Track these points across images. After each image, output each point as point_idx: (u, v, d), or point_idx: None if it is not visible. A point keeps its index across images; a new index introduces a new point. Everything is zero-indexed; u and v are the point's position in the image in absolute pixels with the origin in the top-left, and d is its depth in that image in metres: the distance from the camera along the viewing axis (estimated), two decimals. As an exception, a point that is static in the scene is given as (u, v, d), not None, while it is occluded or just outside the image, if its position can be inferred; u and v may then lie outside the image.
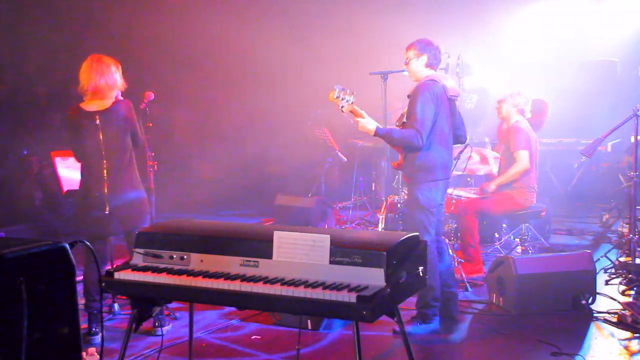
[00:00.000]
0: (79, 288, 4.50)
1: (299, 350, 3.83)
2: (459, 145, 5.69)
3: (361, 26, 9.58)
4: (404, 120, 4.64)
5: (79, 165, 5.11)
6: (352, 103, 4.48)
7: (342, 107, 4.43)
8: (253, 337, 4.58)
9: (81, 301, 4.81)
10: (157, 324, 4.55)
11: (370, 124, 4.51)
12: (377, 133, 4.51)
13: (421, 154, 4.54)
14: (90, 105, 4.50)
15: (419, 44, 4.70)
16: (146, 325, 4.14)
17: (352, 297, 2.74)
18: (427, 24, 8.39)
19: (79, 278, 4.88)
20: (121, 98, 4.63)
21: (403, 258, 2.99)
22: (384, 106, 5.79)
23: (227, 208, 10.18)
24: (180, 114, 10.83)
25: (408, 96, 4.63)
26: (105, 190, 4.49)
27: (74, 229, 4.68)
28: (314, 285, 2.87)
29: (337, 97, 4.39)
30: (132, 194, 4.62)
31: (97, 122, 4.46)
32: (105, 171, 4.49)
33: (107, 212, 4.50)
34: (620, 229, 7.18)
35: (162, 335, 4.39)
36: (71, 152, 4.82)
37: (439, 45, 4.72)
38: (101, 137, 4.48)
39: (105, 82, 4.48)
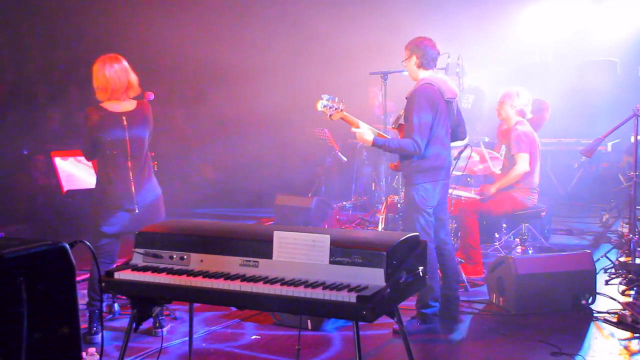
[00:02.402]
0: (81, 287, 4.53)
1: (299, 350, 3.83)
2: (459, 145, 5.71)
3: (361, 25, 9.58)
4: (401, 122, 4.65)
5: (78, 165, 5.12)
6: (342, 110, 4.51)
7: (330, 115, 4.49)
8: (253, 337, 4.58)
9: (82, 301, 4.81)
10: (157, 324, 4.56)
11: (367, 134, 4.55)
12: (375, 143, 4.54)
13: (418, 157, 4.54)
14: (114, 106, 4.51)
15: (409, 45, 4.67)
16: (146, 325, 4.14)
17: (352, 297, 2.74)
18: (426, 24, 8.38)
19: (79, 278, 4.90)
20: (141, 100, 4.68)
21: (403, 258, 2.99)
22: (384, 106, 5.80)
23: (227, 208, 10.18)
24: (180, 114, 10.83)
25: (406, 98, 4.63)
26: (133, 190, 4.52)
27: (92, 226, 4.63)
28: (314, 285, 2.88)
29: (325, 107, 4.47)
30: (155, 192, 4.68)
31: (124, 123, 4.49)
32: (130, 171, 4.52)
33: (136, 211, 4.53)
34: (620, 229, 7.17)
35: (162, 335, 4.39)
36: (79, 151, 4.82)
37: (432, 43, 4.63)
38: (127, 138, 4.50)
39: (130, 84, 4.53)
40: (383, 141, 4.56)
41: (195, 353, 4.10)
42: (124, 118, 4.49)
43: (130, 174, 4.53)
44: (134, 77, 4.57)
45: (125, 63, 4.55)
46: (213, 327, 4.76)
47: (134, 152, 4.54)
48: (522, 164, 5.91)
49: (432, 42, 4.66)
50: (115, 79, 4.46)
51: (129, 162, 4.52)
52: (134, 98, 4.61)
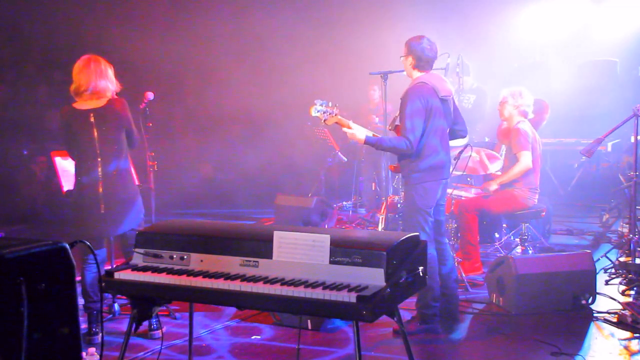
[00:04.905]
0: (81, 287, 4.53)
1: (299, 350, 3.83)
2: (459, 144, 5.71)
3: (361, 25, 9.58)
4: (397, 123, 4.64)
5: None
6: (336, 114, 4.51)
7: (324, 120, 4.50)
8: (253, 337, 4.58)
9: (81, 301, 4.81)
10: (152, 327, 4.53)
11: (359, 133, 4.53)
12: (367, 142, 4.53)
13: (416, 156, 4.54)
14: (84, 104, 4.48)
15: (407, 44, 4.63)
16: (142, 328, 4.12)
17: (352, 297, 2.74)
18: (427, 23, 8.39)
19: (79, 278, 4.89)
20: (115, 97, 4.61)
21: (403, 258, 2.99)
22: (384, 106, 5.80)
23: (227, 208, 10.19)
24: (180, 114, 10.83)
25: (401, 98, 4.62)
26: (100, 190, 4.46)
27: (71, 229, 4.63)
28: (314, 285, 2.87)
29: (319, 112, 4.47)
30: (126, 194, 4.57)
31: (92, 120, 4.44)
32: (100, 170, 4.46)
33: (102, 212, 4.47)
34: (620, 229, 7.17)
35: (161, 337, 4.38)
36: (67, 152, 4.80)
37: (430, 45, 4.58)
38: (96, 134, 4.45)
39: (105, 84, 4.48)
40: (375, 139, 4.54)
41: (195, 353, 4.10)
42: (91, 115, 4.45)
43: (100, 172, 4.46)
44: (105, 84, 4.48)
45: (107, 66, 4.50)
46: (213, 327, 4.76)
47: (103, 150, 4.47)
48: (525, 161, 5.92)
49: (431, 44, 4.59)
50: (93, 80, 4.42)
51: (99, 160, 4.46)
52: (120, 96, 4.58)
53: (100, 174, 4.47)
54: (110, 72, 4.53)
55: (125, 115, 4.55)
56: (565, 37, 10.14)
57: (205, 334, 4.64)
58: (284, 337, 4.56)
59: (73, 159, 4.66)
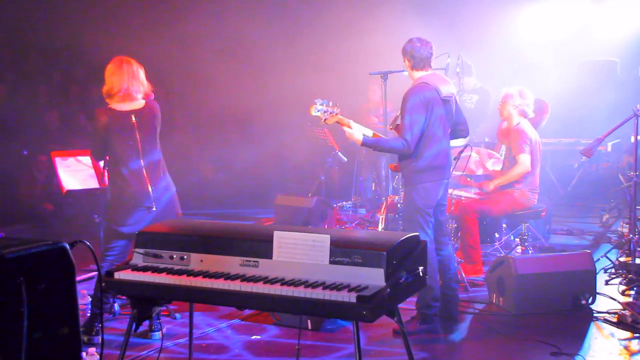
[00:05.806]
0: (81, 287, 4.52)
1: (299, 350, 3.83)
2: (460, 145, 5.71)
3: (361, 26, 9.58)
4: (398, 122, 4.65)
5: (78, 165, 5.12)
6: (336, 114, 4.52)
7: (324, 119, 4.50)
8: (253, 337, 4.58)
9: (82, 300, 4.81)
10: (153, 328, 4.53)
11: (357, 134, 4.52)
12: (365, 143, 4.53)
13: (416, 156, 4.54)
14: (122, 105, 4.51)
15: (402, 50, 4.68)
16: (141, 328, 4.13)
17: (352, 297, 2.74)
18: (427, 23, 8.39)
19: (80, 278, 4.89)
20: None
21: (403, 258, 2.99)
22: (384, 106, 5.80)
23: (227, 208, 10.19)
24: (180, 114, 10.83)
25: (403, 99, 4.63)
26: (149, 188, 4.52)
27: (107, 226, 4.63)
28: (314, 285, 2.88)
29: (319, 111, 4.48)
30: (170, 189, 4.69)
31: (133, 121, 4.49)
32: (144, 170, 4.52)
33: (154, 209, 4.52)
34: (620, 229, 7.17)
35: (162, 338, 4.38)
36: (79, 151, 4.81)
37: (421, 43, 4.61)
38: (138, 135, 4.50)
39: (137, 86, 4.52)
40: (372, 141, 4.55)
41: (195, 353, 4.10)
42: (132, 116, 4.50)
43: (145, 172, 4.52)
44: (137, 86, 4.53)
45: (139, 67, 4.55)
46: (213, 327, 4.76)
47: (145, 150, 4.53)
48: (523, 164, 5.91)
49: (422, 42, 4.63)
50: (125, 81, 4.46)
51: (142, 160, 4.52)
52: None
53: (145, 173, 4.52)
54: (141, 73, 4.58)
55: (159, 116, 4.65)
56: (565, 37, 10.14)
57: (205, 333, 4.64)
58: (284, 337, 4.56)
59: (98, 159, 4.71)
